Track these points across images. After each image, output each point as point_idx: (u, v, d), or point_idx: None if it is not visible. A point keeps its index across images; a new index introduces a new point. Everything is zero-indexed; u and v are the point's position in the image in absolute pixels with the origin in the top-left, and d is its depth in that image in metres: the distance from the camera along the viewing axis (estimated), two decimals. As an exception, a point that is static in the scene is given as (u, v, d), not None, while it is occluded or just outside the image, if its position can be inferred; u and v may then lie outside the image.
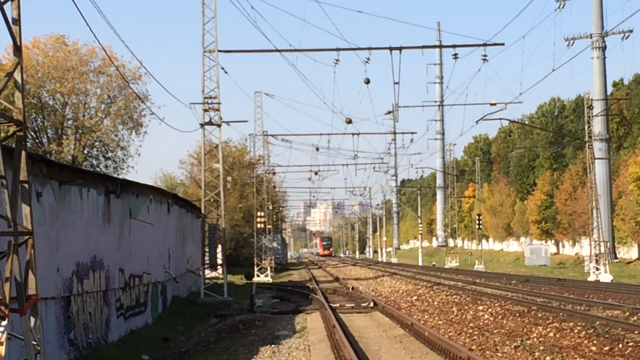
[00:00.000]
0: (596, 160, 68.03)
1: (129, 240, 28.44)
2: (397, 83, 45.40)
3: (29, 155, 14.31)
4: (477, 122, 64.42)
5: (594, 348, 20.23)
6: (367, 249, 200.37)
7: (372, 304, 36.39)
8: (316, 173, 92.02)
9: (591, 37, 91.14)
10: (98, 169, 56.71)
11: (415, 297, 39.77)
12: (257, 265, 77.35)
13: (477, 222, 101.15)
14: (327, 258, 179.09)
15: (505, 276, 59.38)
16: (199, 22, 42.79)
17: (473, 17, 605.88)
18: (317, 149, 75.49)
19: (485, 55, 44.46)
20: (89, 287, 23.08)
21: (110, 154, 60.01)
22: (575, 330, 23.27)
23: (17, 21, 13.84)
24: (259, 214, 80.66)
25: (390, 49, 43.46)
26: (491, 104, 57.00)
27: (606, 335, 22.15)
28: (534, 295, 39.12)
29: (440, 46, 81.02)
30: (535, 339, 21.99)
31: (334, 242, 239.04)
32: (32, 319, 13.94)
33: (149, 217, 32.11)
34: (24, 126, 13.93)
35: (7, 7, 13.67)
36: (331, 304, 36.41)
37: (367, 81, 45.74)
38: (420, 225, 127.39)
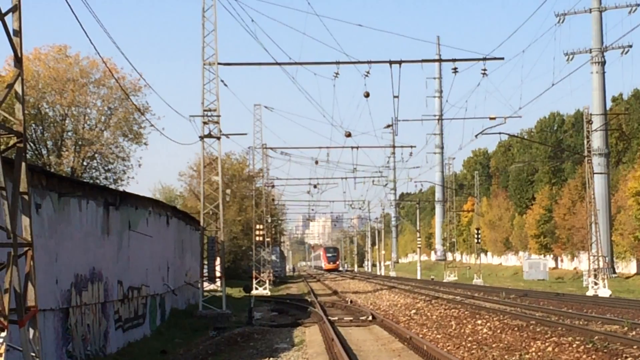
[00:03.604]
0: (595, 175, 68.02)
1: (127, 252, 28.41)
2: (397, 97, 45.44)
3: (28, 166, 14.32)
4: (476, 136, 64.50)
5: (592, 363, 20.22)
6: (366, 262, 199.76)
7: (370, 318, 36.35)
8: (315, 186, 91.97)
9: (591, 52, 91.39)
10: (98, 181, 56.69)
11: (413, 311, 39.73)
12: (256, 278, 77.29)
13: (475, 236, 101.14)
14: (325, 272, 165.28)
15: (504, 290, 59.32)
16: (199, 34, 42.92)
17: (473, 32, 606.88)
18: (317, 162, 75.44)
19: (484, 70, 44.56)
20: (87, 299, 23.05)
21: (110, 166, 60.04)
22: (574, 345, 23.25)
23: (18, 33, 13.87)
24: (257, 226, 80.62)
25: (390, 62, 43.52)
26: (490, 118, 57.05)
27: (605, 350, 22.12)
28: (532, 309, 39.08)
29: (440, 60, 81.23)
30: (533, 354, 21.98)
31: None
32: (31, 331, 13.92)
33: (147, 229, 32.08)
34: (24, 138, 13.95)
35: (9, 18, 13.70)
36: (329, 317, 36.37)
37: (367, 94, 45.80)
38: (418, 239, 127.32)
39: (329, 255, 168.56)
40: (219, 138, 43.55)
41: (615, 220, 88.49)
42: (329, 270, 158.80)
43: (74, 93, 56.46)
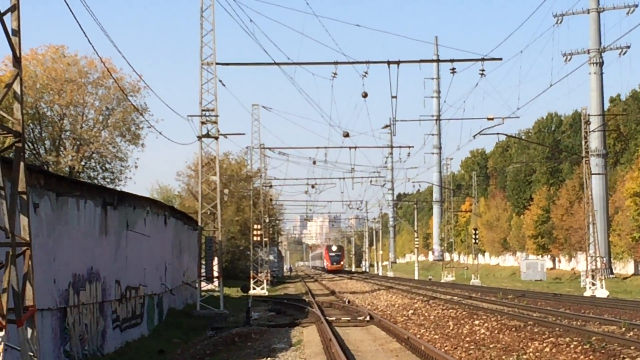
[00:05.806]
0: (593, 176, 68.06)
1: (125, 252, 28.41)
2: (395, 97, 45.40)
3: (26, 166, 14.31)
4: (474, 136, 64.16)
5: (590, 363, 20.24)
6: (363, 262, 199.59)
7: (368, 318, 36.35)
8: (313, 186, 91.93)
9: (589, 53, 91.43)
10: (96, 181, 56.69)
11: (411, 311, 39.74)
12: (254, 278, 77.28)
13: (473, 236, 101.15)
14: (321, 270, 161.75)
15: (502, 291, 59.34)
16: (197, 34, 42.90)
17: (471, 32, 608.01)
18: (314, 162, 75.37)
19: (482, 70, 44.54)
20: (85, 299, 23.05)
21: (108, 166, 60.05)
22: (572, 346, 23.26)
23: (16, 32, 13.86)
24: (255, 226, 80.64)
25: (388, 62, 43.51)
26: (488, 119, 57.08)
27: (602, 351, 22.14)
28: (530, 310, 39.09)
29: (438, 60, 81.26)
30: (531, 354, 21.99)
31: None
32: (29, 330, 13.91)
33: (145, 229, 32.08)
34: (22, 137, 13.94)
35: (7, 18, 13.70)
36: (327, 317, 36.36)
37: (365, 95, 45.80)
38: (416, 239, 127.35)
39: (333, 254, 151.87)
40: (216, 138, 43.55)
41: (613, 221, 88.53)
42: (332, 272, 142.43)
43: (72, 93, 56.43)
